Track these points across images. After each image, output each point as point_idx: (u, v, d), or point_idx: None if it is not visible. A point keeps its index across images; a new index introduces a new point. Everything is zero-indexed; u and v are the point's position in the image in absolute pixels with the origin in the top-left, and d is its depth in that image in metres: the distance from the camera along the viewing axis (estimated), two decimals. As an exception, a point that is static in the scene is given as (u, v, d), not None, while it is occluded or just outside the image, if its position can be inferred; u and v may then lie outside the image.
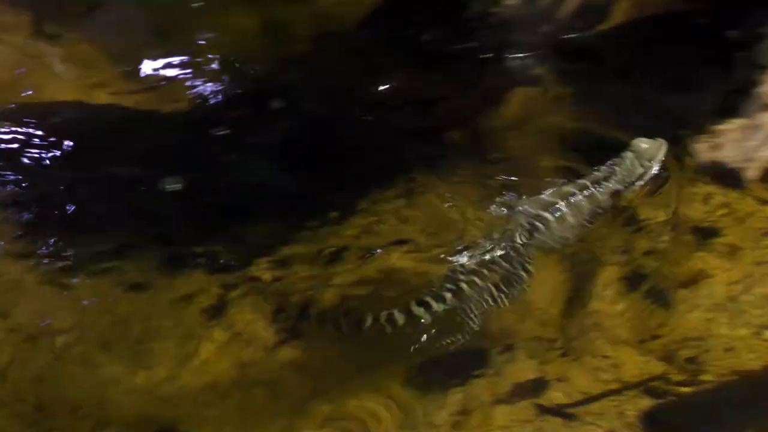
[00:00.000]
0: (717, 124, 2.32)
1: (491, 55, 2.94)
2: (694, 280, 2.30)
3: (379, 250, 2.40)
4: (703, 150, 2.27)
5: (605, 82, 2.95)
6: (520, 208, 2.38)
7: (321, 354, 2.23)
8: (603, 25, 3.07)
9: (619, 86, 2.93)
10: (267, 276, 2.37)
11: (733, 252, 2.33)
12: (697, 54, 2.94)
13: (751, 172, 2.28)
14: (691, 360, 2.15)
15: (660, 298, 2.27)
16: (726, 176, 2.29)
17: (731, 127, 2.28)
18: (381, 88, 2.90)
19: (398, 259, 2.38)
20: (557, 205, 2.32)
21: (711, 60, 2.86)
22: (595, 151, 2.60)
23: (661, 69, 2.94)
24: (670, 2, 3.18)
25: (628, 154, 2.41)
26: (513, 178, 2.55)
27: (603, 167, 2.42)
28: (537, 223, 2.32)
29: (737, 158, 2.26)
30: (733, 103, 2.49)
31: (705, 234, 2.38)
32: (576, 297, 2.31)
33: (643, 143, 2.42)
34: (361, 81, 2.93)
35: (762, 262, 2.28)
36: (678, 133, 2.54)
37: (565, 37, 3.01)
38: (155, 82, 2.99)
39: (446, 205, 2.49)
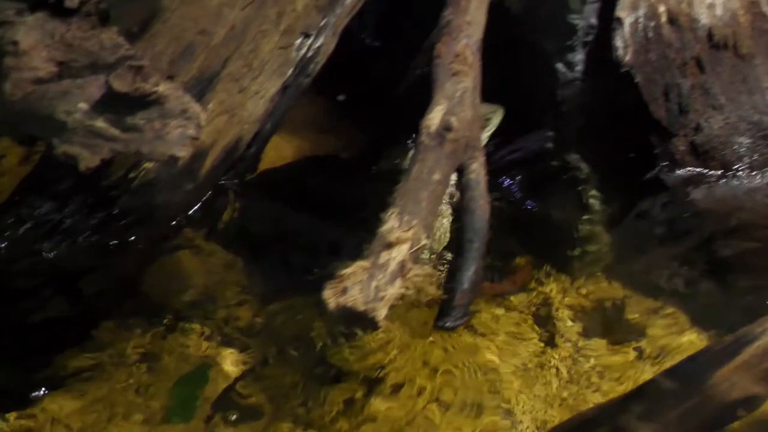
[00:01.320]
0: (343, 268, 2.27)
1: (137, 221, 2.85)
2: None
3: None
4: (330, 297, 2.21)
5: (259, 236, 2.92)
6: None
7: None
8: (253, 174, 3.05)
9: (275, 236, 2.90)
10: None
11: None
12: (345, 194, 2.96)
13: (382, 311, 2.24)
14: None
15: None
16: (358, 320, 2.24)
17: (355, 269, 2.24)
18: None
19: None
20: None
21: (356, 200, 2.89)
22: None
23: (313, 217, 2.94)
24: (321, 143, 3.22)
25: None
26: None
27: None
28: None
29: (366, 300, 2.21)
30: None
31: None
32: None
33: None
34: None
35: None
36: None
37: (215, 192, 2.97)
38: None
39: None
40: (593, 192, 3.10)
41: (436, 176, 2.40)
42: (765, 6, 3.11)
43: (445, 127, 2.43)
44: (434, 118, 2.46)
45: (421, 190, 2.37)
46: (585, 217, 3.02)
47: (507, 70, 3.19)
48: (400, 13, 3.33)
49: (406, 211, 2.33)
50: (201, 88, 2.77)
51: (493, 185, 2.92)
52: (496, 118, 2.85)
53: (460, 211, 2.52)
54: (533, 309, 2.71)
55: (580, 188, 3.13)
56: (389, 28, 3.46)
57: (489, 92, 3.00)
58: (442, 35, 2.69)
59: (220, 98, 2.79)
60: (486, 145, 2.94)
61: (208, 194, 2.93)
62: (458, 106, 2.51)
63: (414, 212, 2.32)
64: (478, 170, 2.52)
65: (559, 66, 3.10)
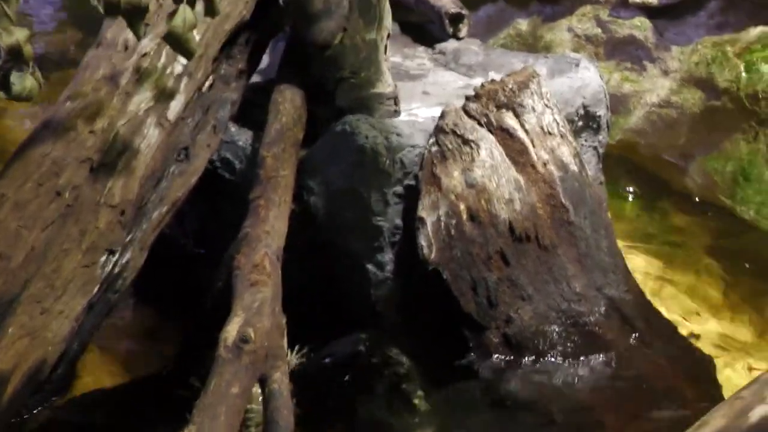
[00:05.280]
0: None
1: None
2: None
3: None
4: None
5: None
6: None
7: None
8: (68, 396, 2.97)
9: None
10: None
11: None
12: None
13: None
14: None
15: None
16: None
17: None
18: None
19: None
20: None
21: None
22: None
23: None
24: (142, 355, 3.17)
25: None
26: None
27: None
28: None
29: None
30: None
31: None
32: None
33: None
34: None
35: None
36: None
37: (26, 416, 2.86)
38: None
39: None
40: (419, 392, 3.10)
41: (235, 390, 2.36)
42: (563, 197, 3.23)
43: (242, 340, 2.42)
44: (231, 330, 2.44)
45: (219, 405, 2.33)
46: (415, 420, 3.01)
47: (321, 273, 3.24)
48: (215, 220, 3.36)
49: (204, 428, 2.28)
50: (0, 313, 2.70)
51: (315, 390, 2.90)
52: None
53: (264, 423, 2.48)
54: None
55: (404, 386, 3.13)
56: (208, 235, 3.48)
57: (306, 296, 3.04)
58: (242, 246, 2.70)
59: (20, 321, 2.72)
60: (299, 351, 2.94)
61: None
62: (256, 316, 2.50)
63: (211, 429, 2.28)
64: (280, 380, 2.50)
65: (370, 267, 3.15)
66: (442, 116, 3.12)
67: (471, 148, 3.11)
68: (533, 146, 3.23)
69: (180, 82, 3.05)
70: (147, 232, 3.00)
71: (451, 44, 4.10)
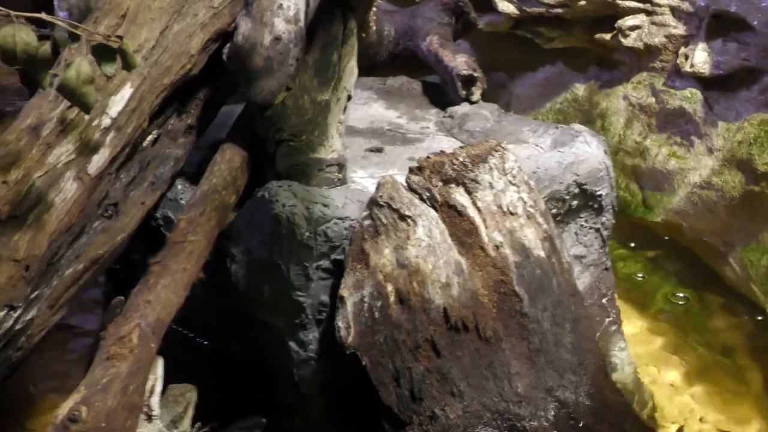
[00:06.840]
0: None
1: None
2: None
3: None
4: None
5: None
6: None
7: None
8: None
9: None
10: None
11: None
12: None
13: None
14: None
15: None
16: None
17: None
18: None
19: None
20: None
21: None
22: None
23: None
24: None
25: None
26: None
27: None
28: None
29: None
30: None
31: None
32: None
33: None
34: None
35: None
36: None
37: None
38: None
39: None
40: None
41: (54, 474, 2.19)
42: (517, 285, 2.92)
43: (70, 419, 2.24)
44: (65, 407, 2.27)
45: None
46: None
47: (254, 346, 3.04)
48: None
49: None
50: None
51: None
52: (192, 397, 2.68)
53: None
54: None
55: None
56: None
57: (243, 369, 2.86)
58: (116, 315, 2.54)
59: None
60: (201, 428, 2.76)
61: None
62: (100, 394, 2.33)
63: None
64: (117, 466, 2.31)
65: (292, 345, 2.93)
66: (378, 188, 2.87)
67: (408, 224, 2.84)
68: (485, 227, 2.93)
69: (106, 135, 2.93)
70: (58, 290, 2.88)
71: (462, 108, 3.84)
